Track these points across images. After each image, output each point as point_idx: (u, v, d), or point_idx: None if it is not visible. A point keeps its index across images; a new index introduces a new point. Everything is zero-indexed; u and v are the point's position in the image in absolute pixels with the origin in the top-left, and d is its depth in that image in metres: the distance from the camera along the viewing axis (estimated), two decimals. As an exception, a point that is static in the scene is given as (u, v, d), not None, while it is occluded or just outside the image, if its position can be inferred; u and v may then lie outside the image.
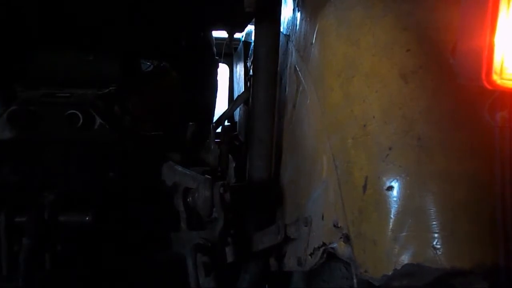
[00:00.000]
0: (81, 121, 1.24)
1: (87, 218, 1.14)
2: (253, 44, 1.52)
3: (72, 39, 1.53)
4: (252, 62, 1.55)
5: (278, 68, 1.31)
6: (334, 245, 0.93)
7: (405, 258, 0.77)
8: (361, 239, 0.84)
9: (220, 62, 2.48)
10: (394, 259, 0.78)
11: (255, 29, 1.29)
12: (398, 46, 0.87)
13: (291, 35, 1.37)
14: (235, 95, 2.67)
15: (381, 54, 0.88)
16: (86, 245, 1.22)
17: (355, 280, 0.93)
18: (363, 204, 0.84)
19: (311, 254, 1.04)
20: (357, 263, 0.85)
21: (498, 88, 0.73)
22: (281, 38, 1.31)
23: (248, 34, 2.50)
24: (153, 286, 1.34)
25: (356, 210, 0.86)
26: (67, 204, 1.17)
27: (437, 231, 0.76)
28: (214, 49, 2.27)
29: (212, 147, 1.47)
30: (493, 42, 0.72)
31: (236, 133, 2.40)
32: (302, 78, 1.17)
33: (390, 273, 0.78)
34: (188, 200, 1.17)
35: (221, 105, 2.65)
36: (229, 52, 2.90)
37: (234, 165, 1.56)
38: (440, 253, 0.75)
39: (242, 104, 1.86)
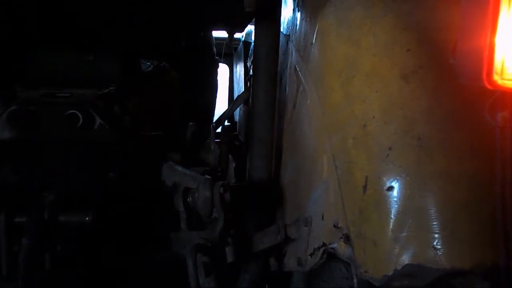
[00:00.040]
0: (81, 121, 1.23)
1: (87, 218, 1.14)
2: (253, 44, 1.52)
3: (72, 39, 1.53)
4: (252, 62, 1.55)
5: (278, 68, 1.31)
6: (334, 245, 0.93)
7: (405, 259, 0.77)
8: (361, 239, 0.84)
9: (220, 62, 2.48)
10: (394, 260, 0.78)
11: (255, 29, 1.29)
12: (398, 46, 0.87)
13: (291, 35, 1.37)
14: (235, 95, 2.66)
15: (381, 54, 0.88)
16: (86, 245, 1.22)
17: (355, 281, 0.93)
18: (363, 204, 0.84)
19: (311, 254, 1.03)
20: (358, 263, 0.85)
21: (499, 88, 0.73)
22: (281, 38, 1.31)
23: (248, 34, 2.50)
24: (153, 286, 1.34)
25: (357, 210, 0.86)
26: (67, 204, 1.17)
27: (437, 231, 0.76)
28: (214, 49, 2.27)
29: (212, 147, 1.47)
30: (494, 42, 0.72)
31: (236, 133, 2.40)
32: (302, 78, 1.17)
33: (390, 273, 0.78)
34: (188, 200, 1.17)
35: (221, 105, 2.65)
36: (229, 52, 2.90)
37: (234, 165, 1.56)
38: (440, 253, 0.75)
39: (242, 104, 1.86)
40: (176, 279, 1.21)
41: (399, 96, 0.84)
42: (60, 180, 1.23)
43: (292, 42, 1.33)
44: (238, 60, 2.70)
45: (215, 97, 2.32)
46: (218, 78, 2.34)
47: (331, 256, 0.97)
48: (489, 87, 0.73)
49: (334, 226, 0.93)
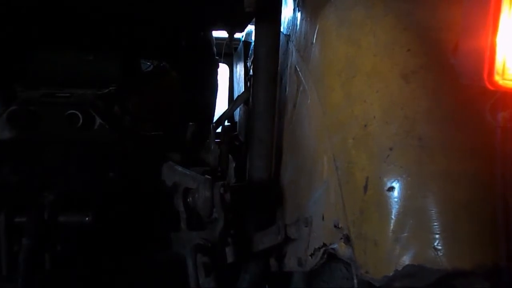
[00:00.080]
0: (81, 121, 1.23)
1: (87, 218, 1.14)
2: (253, 44, 1.52)
3: (72, 39, 1.53)
4: (252, 62, 1.55)
5: (278, 68, 1.31)
6: (335, 245, 0.92)
7: (406, 259, 0.77)
8: (361, 239, 0.84)
9: (220, 62, 2.48)
10: (395, 260, 0.78)
11: (255, 29, 1.29)
12: (399, 46, 0.87)
13: (291, 35, 1.36)
14: (235, 95, 2.67)
15: (382, 54, 0.88)
16: (86, 245, 1.21)
17: (355, 281, 0.93)
18: (364, 204, 0.84)
19: (311, 255, 1.03)
20: (358, 263, 0.85)
21: (500, 89, 0.73)
22: (281, 38, 1.31)
23: (248, 34, 2.50)
24: (153, 286, 1.34)
25: (357, 210, 0.86)
26: (67, 204, 1.17)
27: (438, 231, 0.75)
28: (214, 49, 2.27)
29: (212, 147, 1.47)
30: (495, 42, 0.72)
31: (236, 133, 2.40)
32: (302, 78, 1.17)
33: (391, 274, 0.78)
34: (188, 200, 1.17)
35: (221, 105, 2.65)
36: (229, 52, 2.90)
37: (234, 165, 1.56)
38: (441, 253, 0.74)
39: (242, 104, 1.86)
40: (176, 279, 1.21)
41: (399, 96, 0.84)
42: (60, 180, 1.23)
43: (293, 42, 1.33)
44: (238, 60, 2.70)
45: (215, 97, 2.32)
46: (218, 78, 2.33)
47: (331, 256, 0.97)
48: (490, 87, 0.73)
49: (335, 226, 0.92)
